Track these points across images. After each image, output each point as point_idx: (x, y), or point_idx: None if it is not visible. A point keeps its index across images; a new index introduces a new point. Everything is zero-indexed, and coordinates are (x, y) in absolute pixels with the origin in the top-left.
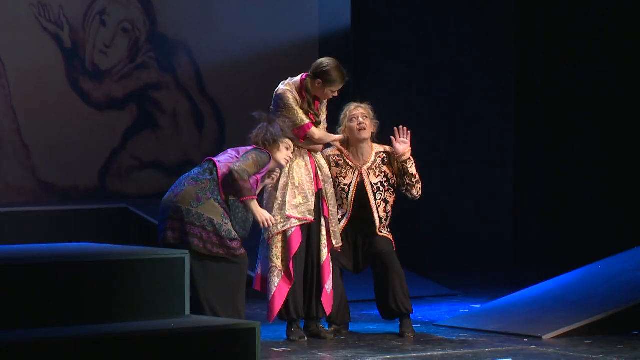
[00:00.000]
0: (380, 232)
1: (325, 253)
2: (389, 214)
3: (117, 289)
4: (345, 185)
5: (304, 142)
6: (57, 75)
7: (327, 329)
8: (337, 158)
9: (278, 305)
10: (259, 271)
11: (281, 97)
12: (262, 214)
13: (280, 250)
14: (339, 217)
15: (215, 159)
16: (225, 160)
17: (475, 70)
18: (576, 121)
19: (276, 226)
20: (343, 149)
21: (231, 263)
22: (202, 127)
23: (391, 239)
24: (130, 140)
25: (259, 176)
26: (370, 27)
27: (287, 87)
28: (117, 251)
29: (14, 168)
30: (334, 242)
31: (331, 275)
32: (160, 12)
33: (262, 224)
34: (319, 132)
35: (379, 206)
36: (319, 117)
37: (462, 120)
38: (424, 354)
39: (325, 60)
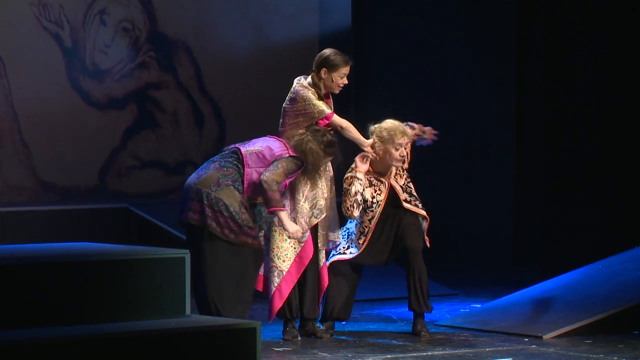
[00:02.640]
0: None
1: (323, 255)
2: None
3: (117, 288)
4: (379, 200)
5: None
6: (57, 74)
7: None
8: (369, 177)
9: (277, 305)
10: (261, 271)
11: (299, 93)
12: (291, 226)
13: (281, 250)
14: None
15: (242, 149)
16: (256, 164)
17: (475, 70)
18: (576, 121)
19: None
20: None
21: (243, 250)
22: (202, 126)
23: (424, 214)
24: (130, 140)
25: (287, 181)
26: (370, 27)
27: (304, 84)
28: (118, 251)
29: (14, 168)
30: (319, 244)
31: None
32: (160, 11)
33: (291, 236)
34: (345, 121)
35: (406, 198)
36: (331, 109)
37: (462, 120)
38: (425, 354)
39: (324, 50)
